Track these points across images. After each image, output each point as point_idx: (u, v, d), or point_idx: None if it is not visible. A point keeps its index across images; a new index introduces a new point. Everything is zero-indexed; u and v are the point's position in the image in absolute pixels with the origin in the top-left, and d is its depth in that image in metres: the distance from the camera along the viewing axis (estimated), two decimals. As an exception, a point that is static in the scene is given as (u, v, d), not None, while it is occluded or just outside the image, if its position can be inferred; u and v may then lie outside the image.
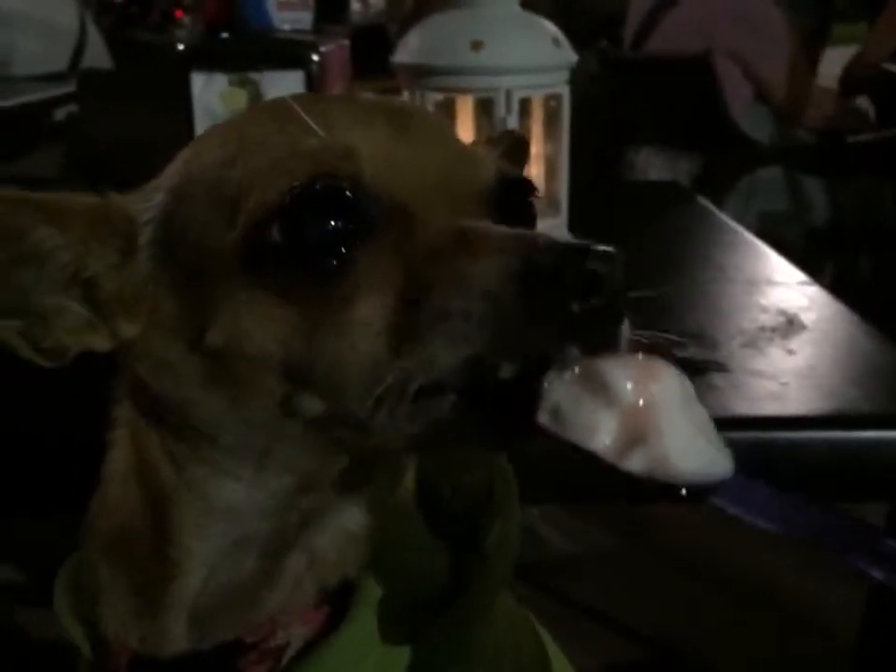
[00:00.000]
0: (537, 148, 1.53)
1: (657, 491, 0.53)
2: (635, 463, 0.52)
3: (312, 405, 0.57)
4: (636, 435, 0.52)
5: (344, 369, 0.55)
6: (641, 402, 0.52)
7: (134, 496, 0.66)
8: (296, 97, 0.66)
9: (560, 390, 0.52)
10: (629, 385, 0.52)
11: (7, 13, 3.22)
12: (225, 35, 1.97)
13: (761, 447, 1.04)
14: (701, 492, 0.53)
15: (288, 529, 0.64)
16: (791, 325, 1.27)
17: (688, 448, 0.53)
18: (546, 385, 0.52)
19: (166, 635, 0.66)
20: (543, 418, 0.52)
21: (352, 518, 0.65)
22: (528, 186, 0.65)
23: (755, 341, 1.22)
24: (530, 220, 0.64)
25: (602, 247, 0.50)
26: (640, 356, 0.53)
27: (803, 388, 1.12)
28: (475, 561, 0.67)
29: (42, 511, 1.05)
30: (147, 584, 0.66)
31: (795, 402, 1.10)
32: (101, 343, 0.63)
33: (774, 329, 1.26)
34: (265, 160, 0.57)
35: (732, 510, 0.54)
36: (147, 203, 0.63)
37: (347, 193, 0.56)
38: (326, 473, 0.62)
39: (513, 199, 0.63)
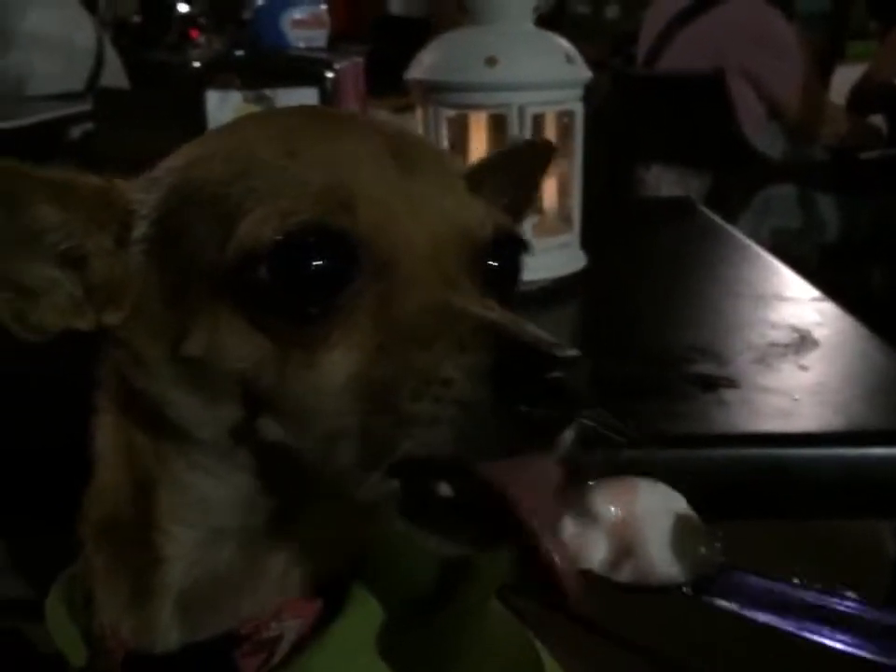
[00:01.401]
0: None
1: (652, 593, 0.61)
2: (625, 574, 0.61)
3: (274, 430, 0.59)
4: (623, 549, 0.61)
5: (308, 409, 0.56)
6: (622, 519, 0.61)
7: (121, 481, 0.67)
8: (310, 114, 0.67)
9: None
10: (610, 507, 0.61)
11: (25, 34, 3.25)
12: (240, 52, 1.99)
13: (770, 464, 1.04)
14: (694, 591, 0.61)
15: (262, 524, 0.65)
16: (803, 341, 1.27)
17: (673, 553, 0.61)
18: None
19: (154, 623, 0.67)
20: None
21: (329, 515, 0.65)
22: (521, 243, 0.66)
23: (765, 357, 1.22)
24: (516, 274, 0.66)
25: (567, 353, 0.52)
26: (617, 479, 0.62)
27: (813, 405, 1.11)
28: (465, 565, 0.68)
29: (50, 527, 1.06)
30: (136, 571, 0.67)
31: (805, 419, 1.09)
32: (84, 324, 0.64)
33: (786, 346, 1.25)
34: (265, 185, 0.58)
35: (724, 605, 0.59)
36: (146, 195, 0.63)
37: (340, 245, 0.57)
38: (291, 477, 0.62)
39: (505, 252, 0.64)
